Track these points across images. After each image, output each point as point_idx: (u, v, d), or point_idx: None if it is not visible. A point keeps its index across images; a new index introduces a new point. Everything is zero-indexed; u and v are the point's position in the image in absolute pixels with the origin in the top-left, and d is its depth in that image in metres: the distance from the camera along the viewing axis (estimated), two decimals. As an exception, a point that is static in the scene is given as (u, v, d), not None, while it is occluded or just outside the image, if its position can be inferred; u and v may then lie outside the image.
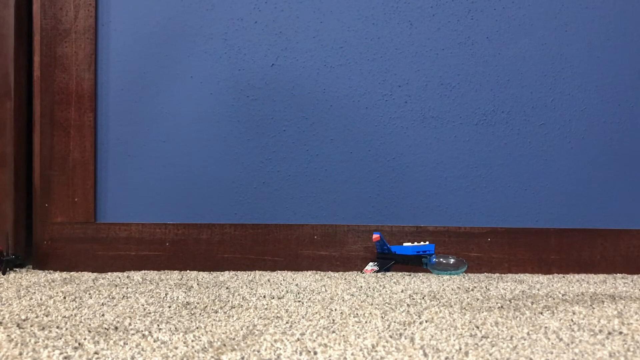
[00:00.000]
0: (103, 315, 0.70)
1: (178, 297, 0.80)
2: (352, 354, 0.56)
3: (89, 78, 0.96)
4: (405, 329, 0.64)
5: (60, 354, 0.56)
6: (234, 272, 0.97)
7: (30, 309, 0.72)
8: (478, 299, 0.80)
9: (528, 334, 0.64)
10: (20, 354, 0.55)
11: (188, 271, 0.97)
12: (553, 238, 1.01)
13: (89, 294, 0.81)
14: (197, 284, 0.88)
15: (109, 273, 0.95)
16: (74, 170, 0.97)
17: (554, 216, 1.02)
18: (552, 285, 0.91)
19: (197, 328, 0.65)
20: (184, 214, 0.99)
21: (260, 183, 1.00)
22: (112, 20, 0.97)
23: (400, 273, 0.98)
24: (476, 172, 1.01)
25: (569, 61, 1.01)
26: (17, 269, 0.97)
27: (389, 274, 0.97)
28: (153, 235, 0.98)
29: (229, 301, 0.78)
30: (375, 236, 0.95)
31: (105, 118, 0.98)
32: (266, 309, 0.74)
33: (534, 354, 0.57)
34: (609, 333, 0.65)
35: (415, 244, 0.97)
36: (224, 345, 0.59)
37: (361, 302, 0.78)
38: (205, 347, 0.58)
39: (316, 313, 0.72)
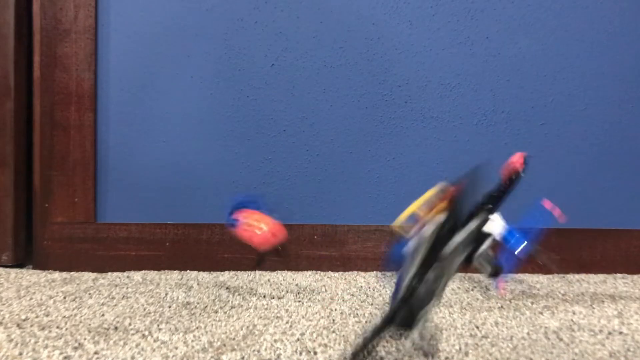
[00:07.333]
0: (103, 315, 0.70)
1: (178, 297, 0.80)
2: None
3: (89, 78, 0.96)
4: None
5: (60, 354, 0.56)
6: (234, 272, 0.97)
7: (30, 309, 0.72)
8: (478, 299, 0.80)
9: (528, 334, 0.64)
10: (20, 354, 0.55)
11: (188, 271, 0.97)
12: (553, 238, 1.01)
13: (89, 294, 0.81)
14: (197, 284, 0.88)
15: (109, 273, 0.95)
16: (74, 170, 0.97)
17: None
18: (552, 285, 0.91)
19: (197, 328, 0.65)
20: (184, 214, 0.99)
21: (260, 183, 1.00)
22: (112, 20, 0.97)
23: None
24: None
25: (569, 61, 1.01)
26: (17, 269, 0.97)
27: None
28: (153, 235, 0.98)
29: (229, 301, 0.78)
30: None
31: (105, 118, 0.98)
32: (266, 309, 0.74)
33: (534, 354, 0.57)
34: (609, 333, 0.65)
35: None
36: (224, 345, 0.59)
37: (361, 302, 0.78)
38: (205, 347, 0.58)
39: (316, 313, 0.72)
